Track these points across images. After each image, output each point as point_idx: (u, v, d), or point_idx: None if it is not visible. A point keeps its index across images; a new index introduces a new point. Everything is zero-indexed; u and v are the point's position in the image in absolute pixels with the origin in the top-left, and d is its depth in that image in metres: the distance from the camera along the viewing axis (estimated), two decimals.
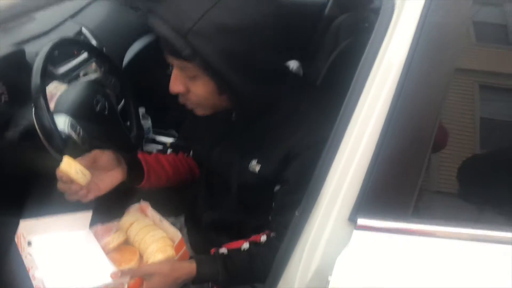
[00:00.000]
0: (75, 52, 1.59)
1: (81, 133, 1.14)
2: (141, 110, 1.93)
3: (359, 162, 0.75)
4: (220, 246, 1.07)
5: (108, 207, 1.25)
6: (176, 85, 0.93)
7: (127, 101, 1.39)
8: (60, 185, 0.98)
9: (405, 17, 0.74)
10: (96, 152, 1.04)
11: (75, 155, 1.09)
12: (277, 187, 1.03)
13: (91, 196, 1.01)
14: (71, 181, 0.96)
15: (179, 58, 0.86)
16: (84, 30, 1.73)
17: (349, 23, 1.83)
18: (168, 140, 2.01)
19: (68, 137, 1.12)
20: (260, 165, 1.01)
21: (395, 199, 0.77)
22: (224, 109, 1.00)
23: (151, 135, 2.01)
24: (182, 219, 1.32)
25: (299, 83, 1.08)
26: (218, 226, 1.17)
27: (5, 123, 1.24)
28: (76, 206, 1.07)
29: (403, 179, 0.78)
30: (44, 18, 1.60)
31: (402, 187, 0.78)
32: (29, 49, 1.41)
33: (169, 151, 1.33)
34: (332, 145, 0.77)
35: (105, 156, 1.05)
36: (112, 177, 1.06)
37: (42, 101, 1.04)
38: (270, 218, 1.08)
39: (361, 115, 0.74)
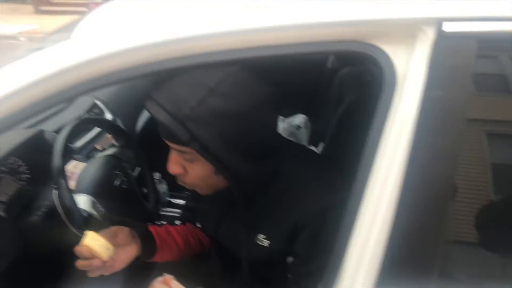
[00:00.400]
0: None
1: (101, 210, 1.16)
2: (157, 175, 1.96)
3: (381, 225, 0.75)
4: None
5: (132, 281, 1.29)
6: (174, 167, 0.94)
7: (143, 169, 1.42)
8: (80, 262, 0.99)
9: (412, 76, 0.76)
10: (115, 228, 1.06)
11: (95, 232, 1.12)
12: (290, 259, 1.02)
13: (110, 271, 1.03)
14: (92, 256, 0.97)
15: (177, 143, 0.88)
16: (97, 102, 1.80)
17: (352, 76, 1.88)
18: (183, 202, 2.02)
19: (89, 215, 1.14)
20: (269, 241, 1.01)
21: (419, 263, 0.76)
22: (223, 188, 1.00)
23: (167, 198, 2.03)
24: None
25: (296, 150, 1.10)
26: None
27: (27, 203, 1.28)
28: (105, 280, 1.09)
29: (425, 239, 0.78)
30: None
31: (425, 248, 0.78)
32: (46, 127, 1.47)
33: (177, 222, 1.33)
34: (350, 210, 0.78)
35: (123, 232, 1.07)
36: (128, 252, 1.07)
37: (63, 182, 1.07)
38: None
39: (379, 174, 0.75)
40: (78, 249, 0.97)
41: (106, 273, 1.02)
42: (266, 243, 1.01)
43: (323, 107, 2.08)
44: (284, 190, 0.99)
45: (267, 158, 0.94)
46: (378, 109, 0.78)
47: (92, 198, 1.17)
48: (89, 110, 1.71)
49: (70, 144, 1.53)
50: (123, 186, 1.29)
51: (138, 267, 1.29)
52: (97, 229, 1.10)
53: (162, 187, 1.99)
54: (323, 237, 0.92)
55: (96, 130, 1.66)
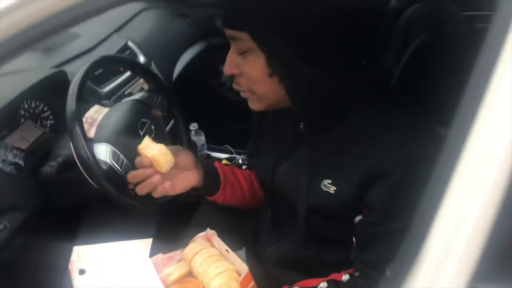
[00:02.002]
0: (121, 69, 1.49)
1: (124, 163, 1.00)
2: (194, 126, 1.80)
3: (485, 203, 0.53)
4: (290, 284, 0.93)
5: (172, 235, 1.20)
6: (229, 66, 0.86)
7: (177, 120, 1.25)
8: (135, 174, 0.93)
9: None
10: (179, 147, 1.02)
11: (118, 188, 0.97)
12: (358, 217, 0.85)
13: (165, 192, 0.95)
14: (150, 165, 0.91)
15: (232, 27, 0.80)
16: (130, 44, 1.63)
17: (421, 14, 1.63)
18: (223, 156, 1.86)
19: (110, 168, 0.99)
20: (335, 186, 0.84)
21: None
22: (283, 108, 0.87)
23: (205, 152, 1.87)
24: (243, 253, 1.16)
25: (382, 84, 0.90)
26: (286, 263, 1.00)
27: (47, 152, 1.15)
28: (134, 233, 0.99)
29: None
30: (88, 34, 1.52)
31: None
32: (72, 69, 1.32)
33: (244, 167, 1.19)
34: (441, 174, 0.56)
35: (186, 154, 1.00)
36: (188, 178, 1.00)
37: (77, 129, 0.92)
38: (351, 256, 0.90)
39: (483, 138, 0.53)
40: (138, 159, 0.92)
41: (158, 195, 0.95)
42: (332, 189, 0.85)
43: (384, 54, 1.82)
44: (362, 125, 0.82)
45: (333, 70, 0.78)
46: (481, 55, 0.54)
47: (114, 148, 1.01)
48: (119, 51, 1.54)
49: (97, 88, 1.38)
50: (151, 136, 1.12)
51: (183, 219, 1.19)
52: (119, 186, 0.96)
53: (200, 139, 1.84)
54: (403, 196, 0.75)
55: (127, 75, 1.51)
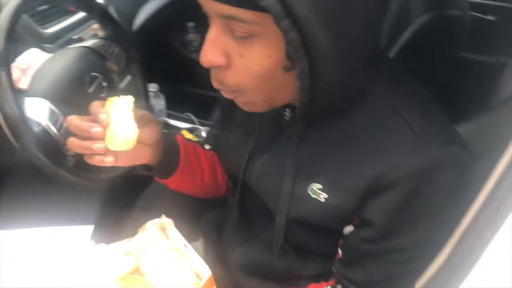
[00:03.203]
0: (71, 9, 1.24)
1: (63, 126, 0.79)
2: (153, 87, 1.58)
3: None
4: None
5: (117, 219, 1.02)
6: (213, 52, 0.58)
7: (135, 78, 1.03)
8: (75, 141, 0.67)
9: None
10: (147, 115, 0.76)
11: (53, 158, 0.76)
12: (348, 228, 0.69)
13: (101, 162, 0.69)
14: (104, 126, 0.65)
15: (237, 3, 0.52)
16: None
17: None
18: (183, 125, 1.66)
19: (44, 131, 0.77)
20: (327, 193, 0.67)
21: None
22: (283, 104, 0.67)
23: (163, 119, 1.66)
24: (200, 245, 0.99)
25: (397, 71, 0.71)
26: (255, 271, 0.84)
27: None
28: (72, 216, 0.82)
29: None
30: None
31: None
32: None
33: (207, 147, 0.97)
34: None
35: (153, 128, 0.76)
36: (141, 153, 0.76)
37: (3, 76, 0.69)
38: (334, 268, 0.75)
39: None
40: (99, 116, 0.65)
41: (91, 162, 0.69)
42: (322, 196, 0.67)
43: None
44: (370, 125, 0.65)
45: (364, 65, 0.60)
46: None
47: (52, 106, 0.79)
48: None
49: (39, 27, 1.13)
50: (100, 95, 0.91)
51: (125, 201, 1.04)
52: (55, 154, 0.75)
53: (159, 104, 1.62)
54: (414, 209, 0.62)
55: (78, 16, 1.26)
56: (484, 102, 1.29)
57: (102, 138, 0.65)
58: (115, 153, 0.67)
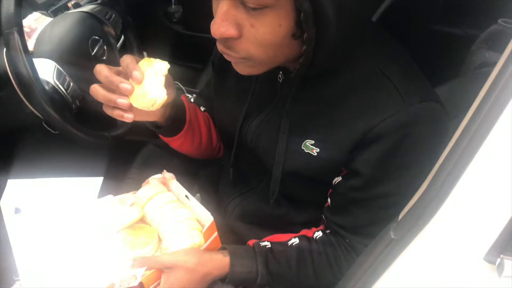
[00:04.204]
0: None
1: (71, 86, 0.83)
2: (145, 54, 1.61)
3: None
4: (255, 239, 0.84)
5: (120, 174, 1.05)
6: (225, 25, 0.61)
7: (131, 43, 1.07)
8: (99, 89, 0.68)
9: None
10: (170, 78, 0.76)
11: (63, 114, 0.81)
12: (337, 179, 0.76)
13: (121, 116, 0.70)
14: (138, 81, 0.66)
15: None
16: None
17: None
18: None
19: (54, 90, 0.82)
20: (319, 148, 0.74)
21: None
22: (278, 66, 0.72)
23: None
24: (198, 199, 1.05)
25: (380, 36, 0.76)
26: (250, 219, 0.91)
27: None
28: (79, 168, 0.83)
29: None
30: None
31: None
32: None
33: (202, 109, 0.99)
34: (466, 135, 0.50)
35: (172, 90, 0.76)
36: (157, 110, 0.75)
37: (17, 38, 0.74)
38: (323, 215, 0.83)
39: None
40: (134, 72, 0.66)
41: (113, 114, 0.70)
42: (314, 151, 0.74)
43: None
44: (357, 84, 0.70)
45: (360, 29, 0.67)
46: None
47: (58, 66, 0.83)
48: None
49: None
50: (103, 58, 0.95)
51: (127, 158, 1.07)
52: (64, 112, 0.79)
53: None
54: (398, 159, 0.68)
55: None
56: (455, 72, 1.38)
57: (127, 94, 0.67)
58: (134, 109, 0.69)
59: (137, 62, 0.68)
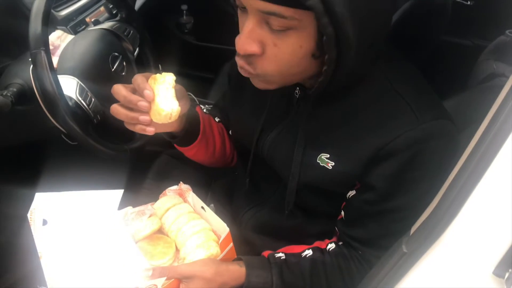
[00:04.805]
0: None
1: (92, 101, 0.87)
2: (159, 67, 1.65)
3: None
4: (270, 250, 0.87)
5: (136, 187, 1.08)
6: (248, 42, 0.64)
7: (148, 58, 1.11)
8: (119, 109, 0.72)
9: None
10: (184, 91, 0.81)
11: (85, 129, 0.84)
12: (351, 192, 0.79)
13: (143, 130, 0.73)
14: (150, 100, 0.70)
15: (285, 3, 0.59)
16: None
17: None
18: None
19: (76, 105, 0.85)
20: (334, 162, 0.76)
21: None
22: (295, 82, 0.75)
23: None
24: (212, 209, 1.08)
25: (395, 56, 0.80)
26: (265, 230, 0.94)
27: None
28: (100, 181, 0.86)
29: None
30: None
31: None
32: None
33: (217, 119, 1.03)
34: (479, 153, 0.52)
35: (185, 101, 0.80)
36: (173, 122, 0.78)
37: (43, 56, 0.77)
38: (336, 228, 0.85)
39: None
40: (145, 92, 0.69)
41: (134, 129, 0.74)
42: (330, 165, 0.76)
43: None
44: (371, 101, 0.73)
45: (377, 50, 0.70)
46: None
47: (81, 83, 0.87)
48: None
49: (53, 10, 1.19)
50: (122, 73, 0.98)
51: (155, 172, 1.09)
52: (86, 126, 0.83)
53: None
54: (412, 174, 0.70)
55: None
56: (463, 82, 1.40)
57: (146, 111, 0.70)
58: (153, 123, 0.72)
59: (148, 78, 0.71)
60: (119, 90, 0.71)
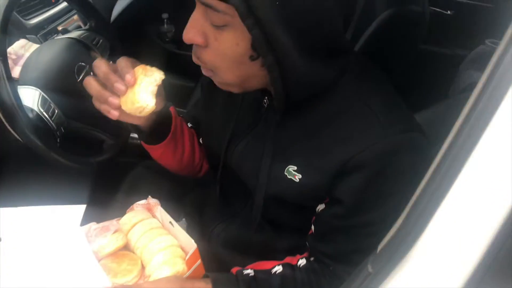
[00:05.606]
0: (53, 0, 1.27)
1: (55, 113, 0.84)
2: None
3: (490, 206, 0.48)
4: (239, 266, 0.83)
5: (105, 201, 1.05)
6: (193, 32, 0.65)
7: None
8: (93, 83, 0.70)
9: None
10: (160, 88, 0.76)
11: (47, 142, 0.81)
12: (321, 206, 0.77)
13: (107, 112, 0.72)
14: (131, 84, 0.68)
15: None
16: None
17: None
18: None
19: (38, 117, 0.82)
20: (301, 174, 0.74)
21: None
22: (255, 89, 0.73)
23: None
24: (183, 224, 1.05)
25: (363, 65, 0.78)
26: (234, 245, 0.91)
27: None
28: (62, 196, 0.84)
29: None
30: None
31: None
32: None
33: (189, 125, 1.00)
34: (442, 170, 0.51)
35: (160, 96, 0.77)
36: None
37: (0, 66, 0.74)
38: (307, 243, 0.82)
39: None
40: (126, 76, 0.67)
41: (101, 110, 0.72)
42: (297, 177, 0.74)
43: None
44: (339, 112, 0.71)
45: (329, 58, 0.68)
46: None
47: (43, 94, 0.84)
48: None
49: (22, 19, 1.16)
50: None
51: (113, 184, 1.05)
52: (49, 139, 0.79)
53: None
54: (380, 187, 0.69)
55: (60, 7, 1.29)
56: (442, 91, 1.39)
57: (120, 94, 0.68)
58: (121, 109, 0.70)
59: (134, 67, 0.69)
60: (101, 65, 0.69)
